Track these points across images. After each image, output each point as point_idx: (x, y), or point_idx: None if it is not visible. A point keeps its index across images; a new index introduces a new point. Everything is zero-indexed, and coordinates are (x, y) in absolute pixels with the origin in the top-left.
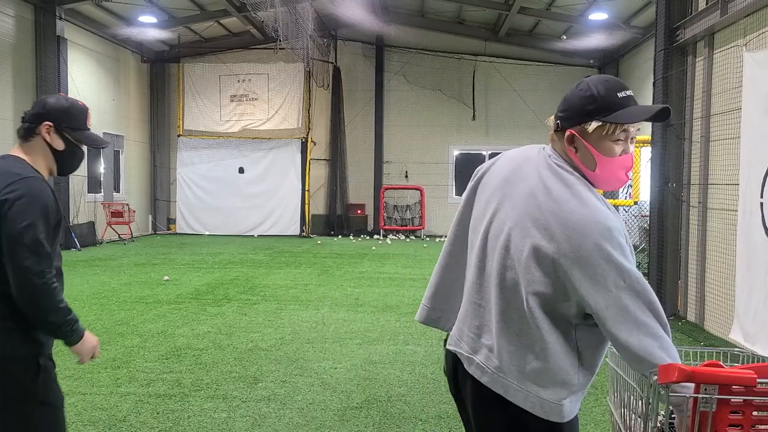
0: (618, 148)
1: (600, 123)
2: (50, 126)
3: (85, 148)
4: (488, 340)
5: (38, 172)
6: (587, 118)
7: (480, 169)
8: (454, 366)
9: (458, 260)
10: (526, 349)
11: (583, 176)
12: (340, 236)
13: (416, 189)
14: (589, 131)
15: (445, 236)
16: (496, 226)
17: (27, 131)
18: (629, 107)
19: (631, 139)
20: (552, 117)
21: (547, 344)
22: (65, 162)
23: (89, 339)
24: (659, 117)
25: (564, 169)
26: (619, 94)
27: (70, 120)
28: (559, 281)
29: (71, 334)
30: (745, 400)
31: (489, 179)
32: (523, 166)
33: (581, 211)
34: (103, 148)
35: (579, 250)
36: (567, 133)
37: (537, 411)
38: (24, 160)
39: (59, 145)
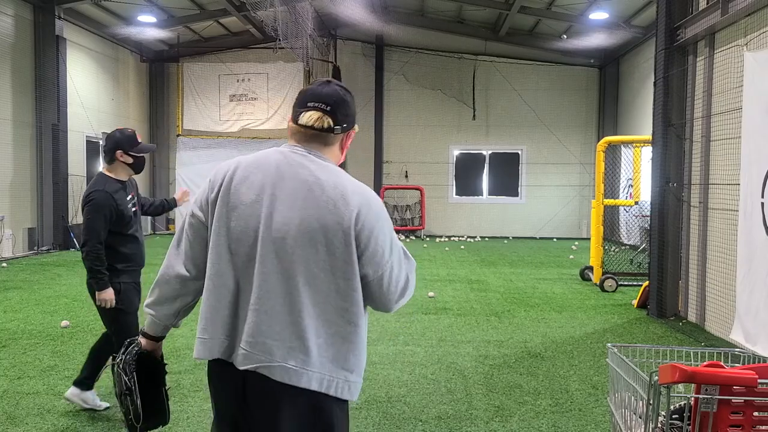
0: None
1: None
2: (121, 152)
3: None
4: (295, 341)
5: (116, 181)
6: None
7: (214, 182)
8: (243, 385)
9: (224, 280)
10: (342, 340)
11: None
12: None
13: (416, 189)
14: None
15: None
16: (279, 229)
17: (110, 158)
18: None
19: None
20: (317, 117)
21: (360, 329)
22: (137, 167)
23: (109, 292)
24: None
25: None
26: None
27: (130, 143)
28: (357, 255)
29: (97, 283)
30: (746, 401)
31: (239, 189)
32: (282, 167)
33: (362, 187)
34: (153, 151)
35: (379, 218)
36: (352, 133)
37: (345, 395)
38: (106, 174)
39: (128, 160)
